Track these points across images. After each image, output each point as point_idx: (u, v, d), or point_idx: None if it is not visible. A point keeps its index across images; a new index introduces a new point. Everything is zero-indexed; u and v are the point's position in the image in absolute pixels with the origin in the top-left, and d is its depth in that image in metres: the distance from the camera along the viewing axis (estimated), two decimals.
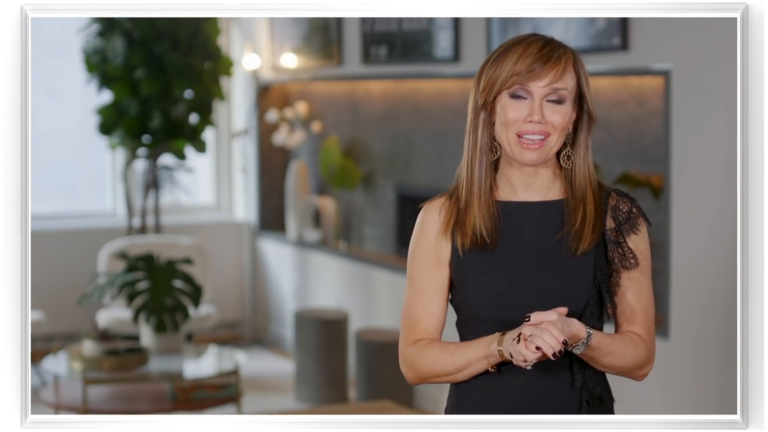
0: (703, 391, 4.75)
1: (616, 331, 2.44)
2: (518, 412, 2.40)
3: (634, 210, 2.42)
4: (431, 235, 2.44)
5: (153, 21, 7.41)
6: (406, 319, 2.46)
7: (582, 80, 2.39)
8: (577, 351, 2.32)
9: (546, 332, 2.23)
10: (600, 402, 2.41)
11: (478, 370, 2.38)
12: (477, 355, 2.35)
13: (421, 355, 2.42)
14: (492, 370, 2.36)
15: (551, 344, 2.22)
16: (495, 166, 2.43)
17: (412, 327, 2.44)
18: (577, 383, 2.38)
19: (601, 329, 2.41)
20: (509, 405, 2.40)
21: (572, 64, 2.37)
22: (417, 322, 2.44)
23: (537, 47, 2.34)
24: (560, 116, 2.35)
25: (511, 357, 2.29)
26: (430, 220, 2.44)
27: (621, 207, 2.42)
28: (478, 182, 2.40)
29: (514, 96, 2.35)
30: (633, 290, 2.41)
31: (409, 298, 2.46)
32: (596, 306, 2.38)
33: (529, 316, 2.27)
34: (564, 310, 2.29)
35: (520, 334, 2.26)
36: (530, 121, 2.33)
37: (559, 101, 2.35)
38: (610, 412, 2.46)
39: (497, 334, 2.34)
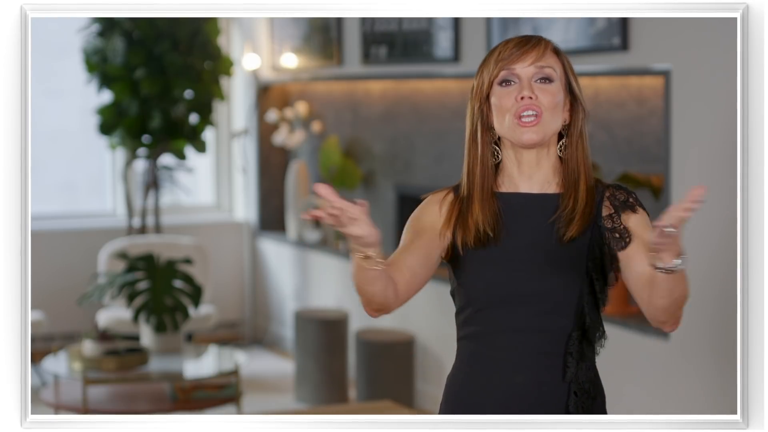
0: (703, 391, 4.74)
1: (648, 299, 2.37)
2: (511, 403, 2.43)
3: (630, 199, 2.45)
4: (429, 211, 2.49)
5: (153, 21, 7.41)
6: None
7: (567, 70, 2.46)
8: (680, 265, 2.25)
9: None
10: (588, 396, 2.42)
11: (363, 275, 2.34)
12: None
13: None
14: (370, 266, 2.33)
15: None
16: (496, 165, 2.49)
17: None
18: (569, 376, 2.40)
19: (599, 318, 2.43)
20: (502, 398, 2.43)
21: (553, 52, 2.45)
22: (391, 263, 2.43)
23: (516, 39, 2.45)
24: (550, 95, 2.41)
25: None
26: (433, 201, 2.51)
27: (618, 196, 2.46)
28: (480, 186, 2.46)
29: (504, 83, 2.42)
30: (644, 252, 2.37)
31: (397, 249, 2.47)
32: (591, 294, 2.41)
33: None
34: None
35: None
36: (522, 98, 2.39)
37: (547, 80, 2.41)
38: (601, 408, 2.48)
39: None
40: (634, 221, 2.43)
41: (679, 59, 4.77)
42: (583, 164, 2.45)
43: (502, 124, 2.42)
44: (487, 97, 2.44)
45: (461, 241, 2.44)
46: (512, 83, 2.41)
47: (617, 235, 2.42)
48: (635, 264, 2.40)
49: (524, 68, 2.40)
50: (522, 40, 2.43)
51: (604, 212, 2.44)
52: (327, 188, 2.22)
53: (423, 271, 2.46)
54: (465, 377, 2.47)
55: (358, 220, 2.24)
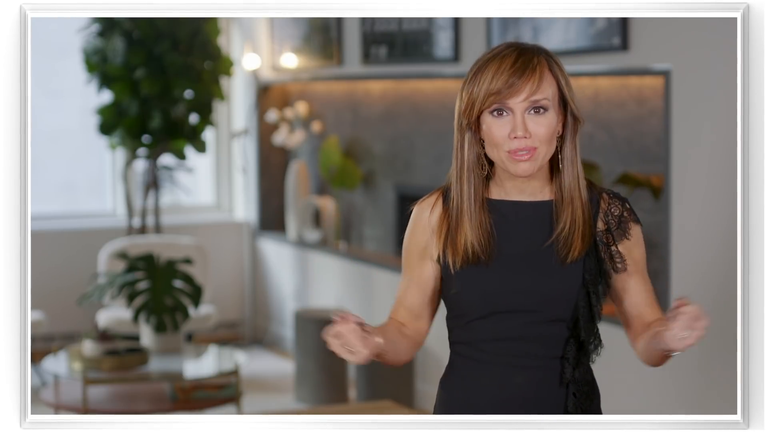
0: (703, 391, 4.74)
1: (635, 333, 2.44)
2: (509, 404, 2.42)
3: (625, 214, 2.43)
4: (421, 231, 2.46)
5: (153, 21, 7.41)
6: (395, 300, 2.54)
7: (562, 84, 2.37)
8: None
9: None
10: (587, 398, 2.42)
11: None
12: None
13: None
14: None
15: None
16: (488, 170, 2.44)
17: (396, 307, 2.52)
18: (566, 378, 2.39)
19: (595, 329, 2.42)
20: (500, 398, 2.42)
21: (549, 70, 2.35)
22: (400, 303, 2.51)
23: (510, 62, 2.33)
24: (544, 127, 2.34)
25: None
26: (422, 216, 2.47)
27: (613, 210, 2.43)
28: (468, 200, 2.40)
29: (495, 112, 2.35)
30: (642, 293, 2.44)
31: (401, 283, 2.52)
32: (587, 307, 2.39)
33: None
34: None
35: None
36: (515, 137, 2.33)
37: (541, 111, 2.34)
38: (597, 409, 2.47)
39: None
40: (628, 249, 2.43)
41: (679, 59, 4.76)
42: (577, 180, 2.40)
43: (493, 153, 2.37)
44: (477, 118, 2.37)
45: (451, 260, 2.41)
46: (504, 113, 2.34)
47: (611, 255, 2.42)
48: (628, 295, 2.44)
49: (517, 103, 2.32)
50: (516, 69, 2.32)
51: (600, 225, 2.42)
52: (347, 317, 2.27)
53: (426, 306, 2.51)
54: (460, 380, 2.46)
55: (355, 353, 2.28)
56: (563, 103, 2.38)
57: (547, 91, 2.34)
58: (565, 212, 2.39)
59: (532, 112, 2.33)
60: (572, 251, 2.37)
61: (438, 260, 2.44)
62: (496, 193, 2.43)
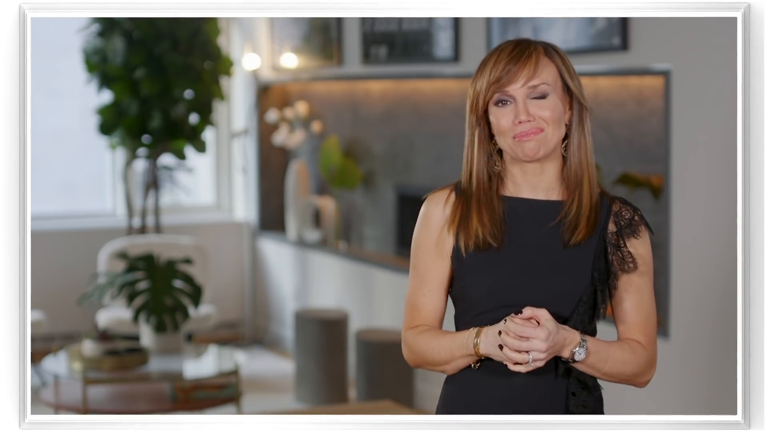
0: (704, 391, 4.74)
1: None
2: (510, 404, 2.42)
3: (636, 218, 2.46)
4: (435, 227, 2.47)
5: (153, 21, 7.41)
6: (408, 305, 2.51)
7: (563, 71, 2.42)
8: (579, 357, 2.34)
9: (534, 341, 2.28)
10: (588, 392, 2.41)
11: (462, 365, 2.42)
12: (458, 350, 2.40)
13: (416, 342, 2.48)
14: (475, 366, 2.41)
15: (538, 348, 2.27)
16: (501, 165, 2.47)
17: (413, 313, 2.50)
18: (561, 369, 2.39)
19: (593, 329, 2.42)
20: (502, 398, 2.42)
21: (546, 57, 2.40)
22: (418, 309, 2.49)
23: (507, 52, 2.40)
24: (548, 110, 2.39)
25: (489, 353, 2.35)
26: (435, 211, 2.48)
27: (624, 213, 2.46)
28: (479, 192, 2.44)
29: (499, 103, 2.40)
30: (634, 297, 2.45)
31: (412, 285, 2.50)
32: (588, 305, 2.40)
33: (520, 311, 2.31)
34: (546, 313, 2.31)
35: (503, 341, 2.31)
36: (520, 122, 2.37)
37: (542, 96, 2.39)
38: (599, 400, 2.47)
39: (475, 329, 2.37)
40: (635, 248, 2.44)
41: (679, 59, 4.76)
42: (586, 165, 2.45)
43: (502, 142, 2.42)
44: (484, 112, 2.42)
45: (463, 244, 2.43)
46: (508, 103, 2.39)
47: (621, 256, 2.42)
48: (625, 304, 2.45)
49: (517, 89, 2.38)
50: (513, 56, 2.38)
51: (610, 228, 2.44)
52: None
53: (445, 305, 2.51)
54: (463, 379, 2.47)
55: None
56: (568, 91, 2.42)
57: (544, 76, 2.39)
58: (572, 195, 2.42)
59: (534, 98, 2.38)
60: (576, 234, 2.39)
61: (451, 252, 2.45)
62: (510, 190, 2.46)
